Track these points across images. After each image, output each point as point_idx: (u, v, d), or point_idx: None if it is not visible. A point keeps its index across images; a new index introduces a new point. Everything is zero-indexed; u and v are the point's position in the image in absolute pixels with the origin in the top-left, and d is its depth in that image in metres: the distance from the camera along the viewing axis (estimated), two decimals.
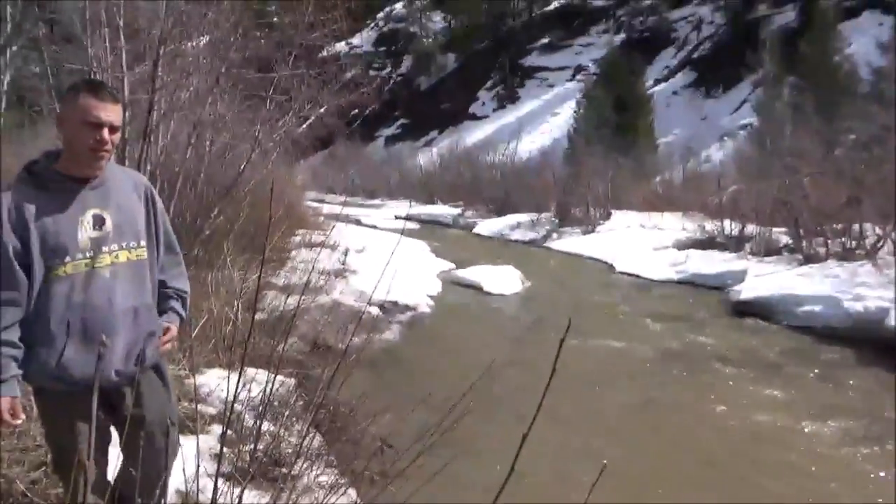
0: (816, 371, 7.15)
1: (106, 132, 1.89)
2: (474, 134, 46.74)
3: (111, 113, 1.90)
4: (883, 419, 5.77)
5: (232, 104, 8.55)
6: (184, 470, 2.14)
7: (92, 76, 5.74)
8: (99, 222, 1.92)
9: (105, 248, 1.92)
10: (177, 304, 2.13)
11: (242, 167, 7.77)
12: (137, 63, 6.78)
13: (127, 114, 6.13)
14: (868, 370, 7.21)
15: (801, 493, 4.28)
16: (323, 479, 3.07)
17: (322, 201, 24.95)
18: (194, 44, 8.18)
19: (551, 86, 52.21)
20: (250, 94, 8.68)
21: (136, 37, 6.69)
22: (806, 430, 5.39)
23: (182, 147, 7.08)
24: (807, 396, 6.28)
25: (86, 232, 1.88)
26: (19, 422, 1.81)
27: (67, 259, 1.84)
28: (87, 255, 1.88)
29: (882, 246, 11.53)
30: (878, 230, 11.80)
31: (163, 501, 2.05)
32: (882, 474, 4.57)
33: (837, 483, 4.44)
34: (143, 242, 2.00)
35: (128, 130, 6.16)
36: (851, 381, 6.81)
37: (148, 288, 2.02)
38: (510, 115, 50.24)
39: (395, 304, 8.79)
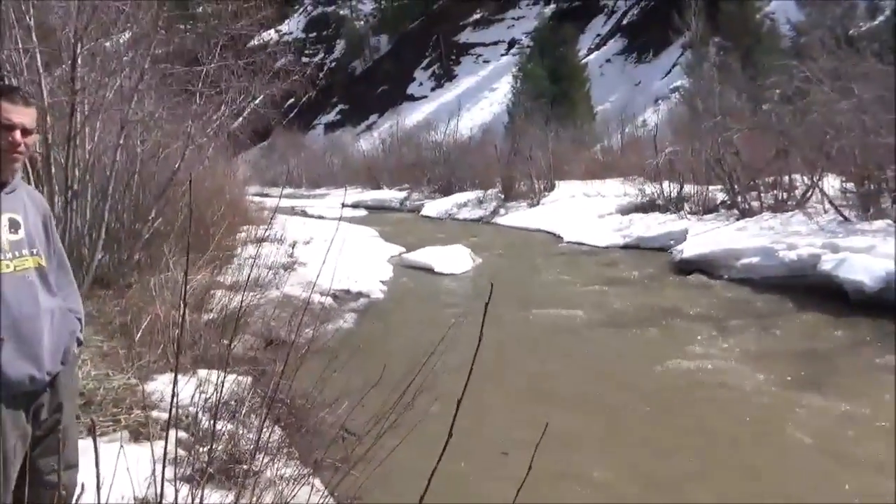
0: (754, 320, 7.47)
1: (18, 134, 1.87)
2: (414, 115, 46.49)
3: (24, 116, 1.89)
4: (815, 357, 6.09)
5: (160, 101, 8.29)
6: (152, 476, 2.11)
7: (6, 80, 5.48)
8: (14, 226, 1.91)
9: (25, 252, 1.91)
10: (78, 329, 2.12)
11: (177, 165, 7.56)
12: (55, 64, 6.49)
13: (48, 118, 5.88)
14: (801, 315, 7.57)
15: (737, 427, 4.49)
16: (285, 471, 3.07)
17: (265, 195, 24.52)
18: (114, 41, 7.87)
19: (487, 61, 52.31)
20: (178, 89, 8.42)
21: (51, 37, 6.40)
22: (744, 372, 5.64)
23: (111, 149, 6.83)
24: (744, 343, 6.56)
25: (4, 234, 1.87)
26: None
27: None
28: (7, 257, 1.86)
29: (811, 195, 12.06)
30: (806, 180, 12.32)
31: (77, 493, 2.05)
32: (803, 402, 4.84)
33: (770, 414, 4.67)
34: (43, 251, 2.00)
35: (51, 135, 5.91)
36: (787, 327, 7.14)
37: (56, 291, 2.02)
38: (448, 94, 50.19)
39: (347, 292, 8.76)
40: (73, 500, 1.92)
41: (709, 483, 3.86)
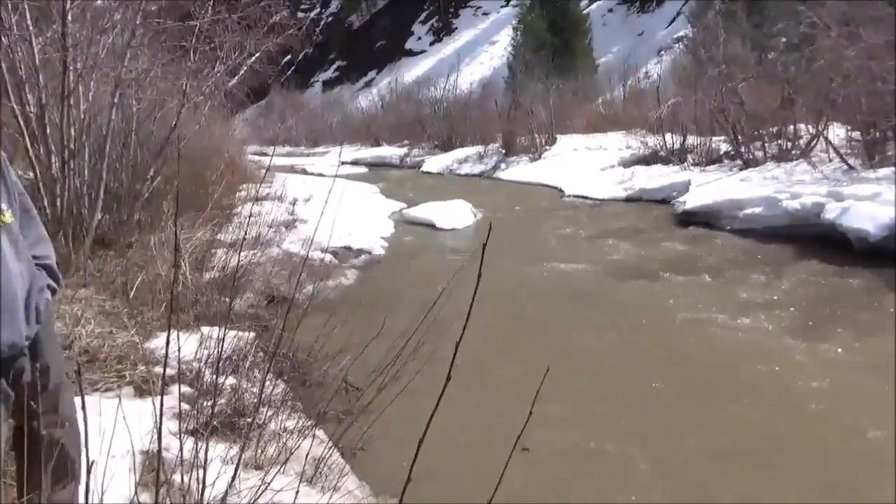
0: (757, 270, 7.45)
1: None
2: (413, 70, 45.84)
3: None
4: (819, 306, 6.10)
5: (154, 58, 8.14)
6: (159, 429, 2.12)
7: None
8: None
9: None
10: (47, 280, 2.03)
11: (174, 124, 7.46)
12: (45, 22, 6.35)
13: (40, 77, 5.79)
14: (805, 264, 7.56)
15: (742, 376, 4.52)
16: (289, 424, 3.10)
17: (263, 154, 24.33)
18: None
19: (486, 14, 51.27)
20: (172, 45, 8.25)
21: None
22: (747, 321, 5.66)
23: (106, 108, 6.73)
24: (747, 293, 6.56)
25: None
26: None
27: None
28: None
29: (816, 144, 11.90)
30: (811, 128, 12.15)
31: (82, 455, 2.03)
32: (808, 351, 4.86)
33: (774, 362, 4.70)
34: (6, 206, 1.90)
35: (44, 95, 5.83)
36: (790, 276, 7.13)
37: (25, 250, 1.93)
38: (448, 48, 49.34)
39: (348, 248, 8.75)
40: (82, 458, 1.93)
41: (709, 431, 3.90)
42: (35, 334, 1.92)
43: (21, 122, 5.68)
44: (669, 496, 3.23)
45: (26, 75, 5.76)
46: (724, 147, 14.39)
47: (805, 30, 12.30)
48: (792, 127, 12.60)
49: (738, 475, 3.40)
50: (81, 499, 1.97)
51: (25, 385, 1.84)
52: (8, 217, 1.88)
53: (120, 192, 7.28)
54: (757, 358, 4.93)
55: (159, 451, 1.91)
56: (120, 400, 1.85)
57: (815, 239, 8.30)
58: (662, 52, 32.77)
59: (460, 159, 22.55)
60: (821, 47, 11.56)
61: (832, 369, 4.68)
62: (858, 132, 10.97)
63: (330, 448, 2.91)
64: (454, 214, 11.54)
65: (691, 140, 15.17)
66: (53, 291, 2.06)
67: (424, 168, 23.08)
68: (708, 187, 11.38)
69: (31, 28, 5.64)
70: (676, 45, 29.92)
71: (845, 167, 10.24)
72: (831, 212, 8.21)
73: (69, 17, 5.88)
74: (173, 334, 4.13)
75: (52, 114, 6.03)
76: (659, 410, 4.17)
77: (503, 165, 20.44)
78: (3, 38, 5.58)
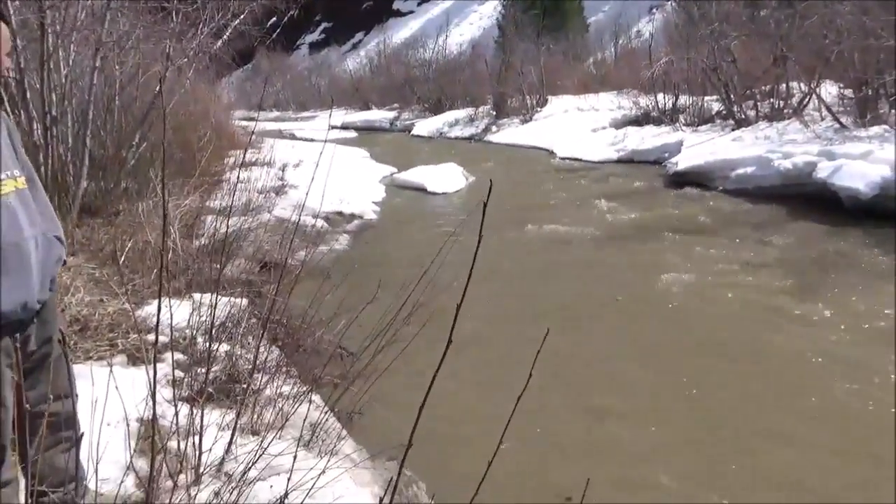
0: (749, 230, 7.47)
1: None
2: (401, 32, 45.09)
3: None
4: (811, 265, 6.12)
5: (135, 20, 7.92)
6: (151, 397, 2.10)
7: None
8: None
9: (1, 176, 1.80)
10: (61, 251, 2.05)
11: (158, 88, 7.29)
12: None
13: (18, 41, 5.62)
14: (797, 224, 7.57)
15: (734, 337, 4.55)
16: (285, 389, 3.09)
17: (251, 119, 23.99)
18: None
19: None
20: (153, 6, 8.02)
21: None
22: (740, 282, 5.68)
23: (88, 73, 6.57)
24: (740, 253, 6.57)
25: None
26: None
27: None
28: None
29: (808, 102, 11.84)
30: (803, 87, 12.07)
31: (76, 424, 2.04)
32: (797, 312, 4.89)
33: (766, 323, 4.73)
34: (19, 172, 1.89)
35: (23, 59, 5.67)
36: (782, 236, 7.14)
37: (38, 217, 1.92)
38: (436, 8, 48.50)
39: (339, 213, 8.69)
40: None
41: (702, 394, 3.93)
42: (44, 304, 1.92)
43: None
44: (663, 459, 3.26)
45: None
46: (716, 107, 14.30)
47: None
48: (784, 85, 12.52)
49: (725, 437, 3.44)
50: (90, 472, 1.97)
51: (30, 352, 1.85)
52: (21, 182, 1.88)
53: (105, 159, 7.15)
54: (748, 318, 4.96)
55: (153, 417, 1.89)
56: (111, 368, 1.82)
57: (807, 198, 8.31)
58: (654, 10, 32.34)
59: (451, 122, 22.34)
60: (814, 3, 11.42)
61: (825, 327, 4.71)
62: (851, 90, 10.91)
63: (326, 413, 2.91)
64: (445, 178, 11.46)
65: (683, 100, 15.07)
66: (63, 263, 2.07)
67: (415, 131, 22.87)
68: (700, 147, 11.33)
69: None
70: (669, 3, 29.49)
71: (837, 125, 10.21)
72: (823, 171, 8.20)
73: None
74: (165, 301, 4.10)
75: (32, 79, 5.88)
76: (650, 369, 4.20)
77: (494, 128, 20.27)
78: None
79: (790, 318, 4.90)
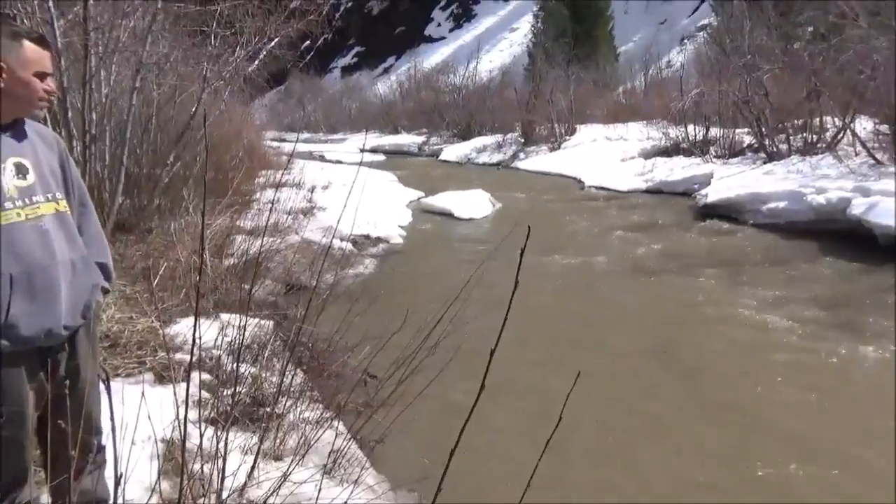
0: (780, 265, 7.33)
1: (50, 80, 1.85)
2: (432, 57, 45.64)
3: (50, 61, 1.87)
4: (844, 304, 5.98)
5: (175, 43, 8.14)
6: (178, 418, 2.11)
7: (20, 21, 5.37)
8: (22, 171, 1.80)
9: (35, 199, 1.80)
10: (101, 280, 2.01)
11: (194, 109, 7.46)
12: (66, 5, 6.35)
13: (62, 60, 5.79)
14: (830, 260, 7.42)
15: (765, 373, 4.45)
16: (308, 414, 3.08)
17: (282, 140, 24.38)
18: None
19: (507, 0, 50.82)
20: (193, 29, 8.24)
21: None
22: (770, 318, 5.55)
23: (127, 93, 6.74)
24: (770, 289, 6.44)
25: (10, 181, 1.76)
26: None
27: None
28: (17, 204, 1.76)
29: (842, 137, 11.68)
30: (837, 121, 11.91)
31: (99, 456, 2.02)
32: (831, 348, 4.76)
33: (798, 360, 4.62)
34: (62, 194, 1.90)
35: (66, 79, 5.83)
36: (814, 272, 7.00)
37: (79, 240, 1.92)
38: (467, 35, 49.06)
39: (366, 237, 8.73)
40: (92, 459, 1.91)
41: (731, 427, 3.84)
42: (77, 331, 1.89)
43: None
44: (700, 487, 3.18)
45: None
46: (747, 139, 14.17)
47: (833, 19, 12.05)
48: (818, 119, 12.37)
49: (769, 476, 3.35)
50: (111, 488, 1.96)
51: (58, 379, 1.81)
52: (63, 206, 1.88)
53: (140, 177, 7.31)
54: (778, 356, 4.85)
55: (183, 441, 1.89)
56: (143, 390, 1.83)
57: (841, 235, 8.15)
58: (685, 41, 32.36)
59: (479, 148, 22.45)
60: (849, 38, 11.31)
61: (857, 367, 4.59)
62: (886, 125, 10.74)
63: (349, 440, 2.89)
64: (472, 204, 11.48)
65: (714, 131, 14.96)
66: (106, 292, 2.04)
67: (443, 156, 23.01)
68: (730, 180, 11.21)
69: (52, 11, 5.64)
70: (700, 34, 29.50)
71: (872, 161, 10.04)
72: (858, 207, 8.05)
73: (91, 0, 5.88)
74: (194, 321, 4.13)
75: (74, 98, 6.05)
76: (674, 408, 4.12)
77: (522, 155, 20.32)
78: (25, 21, 5.58)
79: (823, 355, 4.78)
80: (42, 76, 1.81)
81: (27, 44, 1.79)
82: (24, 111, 1.84)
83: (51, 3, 5.64)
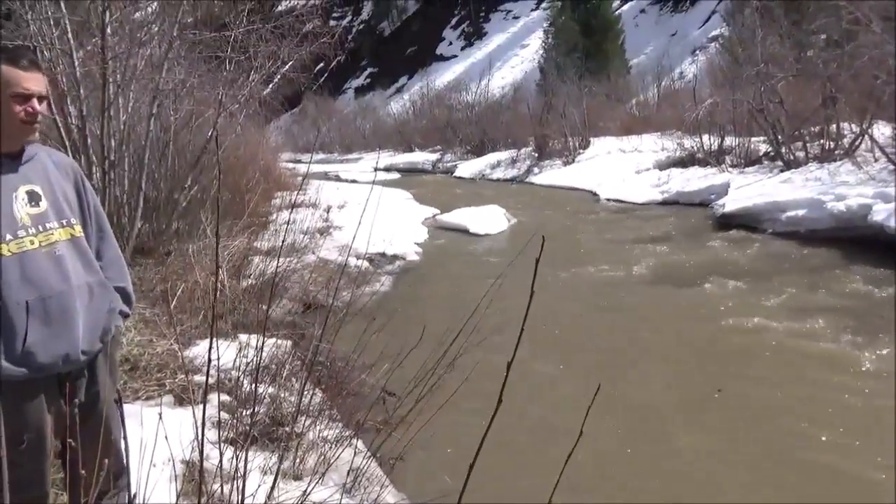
0: (801, 274, 7.23)
1: (37, 103, 1.78)
2: (444, 75, 45.94)
3: (38, 83, 1.79)
4: (867, 312, 5.87)
5: (191, 69, 8.27)
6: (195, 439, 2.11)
7: (38, 52, 5.49)
8: (35, 199, 1.80)
9: (49, 225, 1.81)
10: (119, 303, 2.00)
11: (210, 133, 7.56)
12: (84, 35, 6.49)
13: (81, 89, 5.91)
14: (851, 268, 7.30)
15: (789, 384, 4.37)
16: (327, 433, 3.08)
17: (298, 161, 24.60)
18: (142, 10, 7.84)
19: (517, 17, 51.17)
20: (208, 55, 8.37)
21: (80, 7, 6.39)
22: (793, 328, 5.47)
23: (145, 119, 6.85)
24: (792, 298, 6.35)
25: (22, 208, 1.77)
26: None
27: (9, 237, 1.73)
28: (31, 232, 1.77)
29: (860, 143, 11.55)
30: (855, 128, 11.79)
31: (124, 478, 2.01)
32: (855, 358, 4.67)
33: (822, 369, 4.53)
34: (77, 220, 1.90)
35: (85, 107, 5.95)
36: (836, 281, 6.89)
37: (96, 265, 1.92)
38: (478, 52, 49.36)
39: (382, 255, 8.75)
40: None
41: (756, 440, 3.77)
42: (96, 357, 1.89)
43: (63, 134, 5.81)
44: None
45: (68, 88, 5.88)
46: (763, 148, 14.06)
47: (847, 26, 11.97)
48: (835, 126, 12.25)
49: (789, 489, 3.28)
50: None
51: (76, 404, 1.79)
52: (78, 231, 1.88)
53: (158, 201, 7.40)
54: (801, 366, 4.77)
55: (201, 463, 1.89)
56: (160, 413, 1.83)
57: (862, 242, 8.03)
58: (697, 52, 32.30)
59: (493, 164, 22.49)
60: (864, 43, 11.22)
61: (882, 376, 4.49)
62: None
63: (368, 458, 2.88)
64: (488, 220, 11.48)
65: (729, 141, 14.87)
66: (125, 316, 2.03)
67: (457, 173, 23.07)
68: (748, 189, 11.12)
69: (71, 42, 5.77)
70: (712, 45, 29.43)
71: (892, 167, 9.90)
72: (879, 213, 7.94)
73: (108, 31, 6.00)
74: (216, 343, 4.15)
75: (93, 125, 6.15)
76: (703, 421, 4.05)
77: (536, 169, 20.31)
78: (45, 53, 5.71)
79: (846, 365, 4.69)
80: (24, 98, 1.75)
81: (2, 66, 1.74)
82: (14, 134, 1.77)
83: (69, 35, 5.78)
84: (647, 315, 6.28)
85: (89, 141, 5.97)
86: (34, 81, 1.78)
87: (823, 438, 3.74)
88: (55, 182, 1.88)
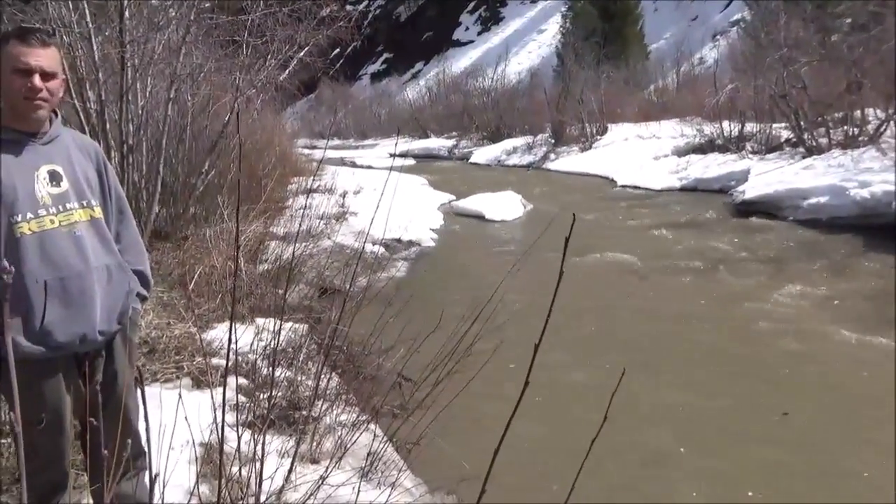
0: (824, 262, 7.12)
1: (37, 78, 1.74)
2: (461, 61, 45.70)
3: (41, 58, 1.75)
4: (888, 300, 5.77)
5: (208, 53, 8.27)
6: (213, 421, 2.11)
7: (57, 35, 5.51)
8: (56, 179, 1.80)
9: (69, 206, 1.81)
10: (137, 286, 2.02)
11: (227, 118, 7.57)
12: (102, 20, 6.51)
13: (100, 74, 5.93)
14: (875, 256, 7.18)
15: (812, 373, 4.31)
16: (344, 417, 3.08)
17: (314, 147, 24.65)
18: None
19: (534, 2, 50.70)
20: (225, 40, 8.37)
21: None
22: (816, 316, 5.39)
23: (162, 104, 6.87)
24: (814, 286, 6.26)
25: (44, 188, 1.77)
26: None
27: (30, 216, 1.74)
28: (51, 211, 1.77)
29: (885, 129, 11.33)
30: (879, 113, 11.57)
31: (144, 459, 2.01)
32: (879, 346, 4.60)
33: (844, 358, 4.47)
34: (97, 201, 1.90)
35: (104, 92, 5.97)
36: (859, 269, 6.78)
37: (114, 247, 1.93)
38: (495, 38, 49.03)
39: (398, 240, 8.74)
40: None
41: (782, 428, 3.73)
42: (114, 338, 1.90)
43: (82, 119, 5.84)
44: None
45: (87, 73, 5.90)
46: (785, 134, 13.84)
47: (874, 8, 11.71)
48: (859, 112, 12.02)
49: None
50: (157, 498, 1.97)
51: (97, 382, 1.82)
52: (98, 212, 1.88)
53: (176, 185, 7.44)
54: (824, 355, 4.70)
55: (221, 445, 1.90)
56: (180, 395, 1.83)
57: (886, 229, 7.89)
58: (718, 37, 31.83)
59: (509, 150, 22.36)
60: (890, 27, 10.98)
61: None
62: None
63: (385, 443, 2.88)
64: (504, 206, 11.42)
65: (750, 127, 14.65)
66: (143, 299, 2.04)
67: (473, 159, 22.98)
68: (768, 176, 10.96)
69: (90, 26, 5.78)
70: (733, 29, 28.98)
71: None
72: None
73: (126, 15, 6.01)
74: (230, 326, 4.17)
75: (112, 110, 6.18)
76: (722, 412, 4.01)
77: (553, 156, 20.17)
78: (64, 37, 5.73)
79: (869, 353, 4.62)
80: (24, 73, 1.73)
81: (9, 43, 1.73)
82: (20, 111, 1.76)
83: (88, 20, 5.79)
84: (665, 301, 6.21)
85: (108, 126, 6.01)
86: (36, 56, 1.74)
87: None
88: (77, 163, 1.88)
